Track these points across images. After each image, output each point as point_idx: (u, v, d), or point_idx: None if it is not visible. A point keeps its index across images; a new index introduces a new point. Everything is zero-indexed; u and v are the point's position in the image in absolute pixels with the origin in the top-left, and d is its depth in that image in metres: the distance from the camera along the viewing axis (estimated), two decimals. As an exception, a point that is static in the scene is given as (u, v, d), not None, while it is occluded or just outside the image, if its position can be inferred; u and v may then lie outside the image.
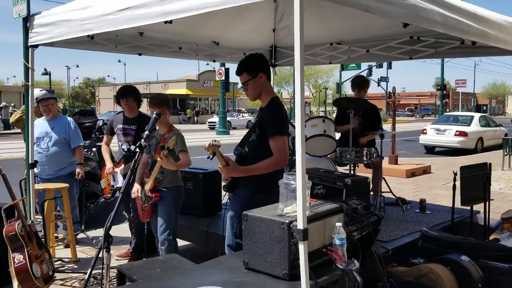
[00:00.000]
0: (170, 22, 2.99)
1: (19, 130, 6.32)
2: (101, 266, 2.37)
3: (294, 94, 2.24)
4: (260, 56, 3.39)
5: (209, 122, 38.18)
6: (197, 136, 22.57)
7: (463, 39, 4.46)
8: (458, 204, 4.76)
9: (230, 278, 2.30)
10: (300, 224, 2.19)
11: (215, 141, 2.83)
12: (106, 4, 3.35)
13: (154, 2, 2.92)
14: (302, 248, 2.19)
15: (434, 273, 3.35)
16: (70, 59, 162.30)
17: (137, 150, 2.70)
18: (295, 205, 2.28)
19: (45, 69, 43.12)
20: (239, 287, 2.23)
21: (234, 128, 34.89)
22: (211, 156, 2.89)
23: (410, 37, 4.83)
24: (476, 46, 4.47)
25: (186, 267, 2.71)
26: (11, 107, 28.59)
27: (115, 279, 3.30)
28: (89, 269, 2.53)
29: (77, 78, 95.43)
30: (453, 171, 4.65)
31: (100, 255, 2.39)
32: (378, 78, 44.36)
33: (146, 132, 2.86)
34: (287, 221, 2.27)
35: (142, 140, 2.76)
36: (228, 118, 36.05)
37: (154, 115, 3.33)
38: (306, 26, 2.21)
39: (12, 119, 6.21)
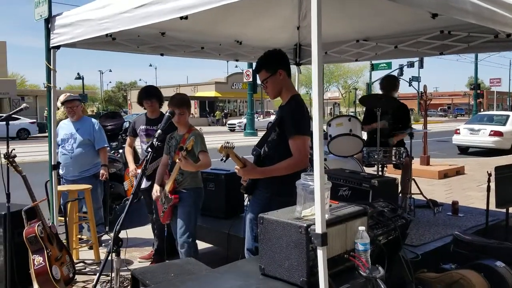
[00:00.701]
0: (186, 18, 2.90)
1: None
2: (110, 269, 2.29)
3: (312, 88, 2.11)
4: (279, 52, 3.26)
5: (229, 125, 36.94)
6: (222, 138, 22.57)
7: (497, 33, 4.23)
8: (492, 207, 4.52)
9: (245, 285, 2.18)
10: (318, 228, 2.05)
11: (227, 142, 2.73)
12: (123, 2, 3.31)
13: (170, -2, 2.84)
14: (320, 254, 2.05)
15: (466, 280, 3.15)
16: (103, 64, 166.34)
17: (149, 149, 2.62)
18: (314, 207, 2.13)
19: (78, 74, 44.16)
20: (254, 295, 2.11)
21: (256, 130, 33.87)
22: (224, 158, 2.79)
23: (440, 32, 4.62)
24: (511, 39, 4.24)
25: (201, 272, 2.60)
26: (45, 111, 29.23)
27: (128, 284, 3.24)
28: (98, 274, 2.46)
29: (110, 82, 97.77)
30: (487, 171, 4.41)
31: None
32: (410, 78, 43.58)
33: (159, 131, 2.78)
34: (305, 225, 2.13)
35: (154, 140, 2.68)
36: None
37: (167, 114, 3.25)
38: (330, 23, 2.09)
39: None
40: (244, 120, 34.72)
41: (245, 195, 3.39)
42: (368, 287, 2.26)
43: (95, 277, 4.43)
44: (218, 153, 2.75)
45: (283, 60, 3.20)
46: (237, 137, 24.96)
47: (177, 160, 3.65)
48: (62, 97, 5.82)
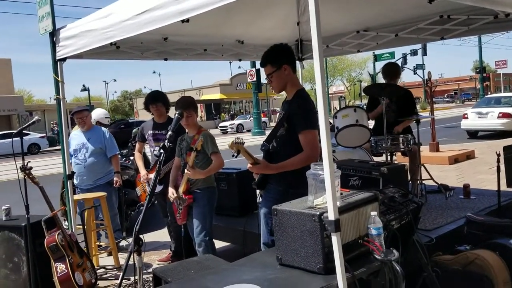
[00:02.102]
0: (187, 21, 2.97)
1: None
2: (133, 270, 2.36)
3: (315, 78, 2.15)
4: (284, 46, 3.28)
5: (220, 127, 35.82)
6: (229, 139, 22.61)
7: (496, 13, 4.25)
8: (504, 187, 4.53)
9: (263, 275, 2.24)
10: (331, 215, 2.11)
11: (238, 138, 2.78)
12: (125, 10, 3.38)
13: (171, 2, 2.91)
14: (335, 240, 2.10)
15: (482, 259, 3.18)
16: (107, 74, 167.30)
17: (162, 151, 2.69)
18: (325, 196, 2.19)
19: (83, 85, 44.45)
20: (273, 283, 2.16)
21: (249, 131, 31.59)
22: (235, 154, 2.84)
23: (440, 16, 4.64)
24: (510, 19, 4.26)
25: (220, 266, 2.66)
26: (51, 124, 29.57)
27: (152, 284, 3.32)
28: (121, 274, 2.53)
29: (115, 92, 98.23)
30: (496, 152, 4.42)
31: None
32: (414, 66, 43.36)
33: (170, 133, 2.84)
34: (318, 213, 2.19)
35: (166, 141, 2.74)
36: (240, 121, 34.84)
37: (176, 115, 3.32)
38: (329, 16, 2.14)
39: None
40: (236, 121, 34.48)
41: (257, 192, 3.45)
42: (384, 270, 2.31)
43: (117, 281, 4.53)
44: (229, 149, 2.81)
45: (288, 55, 3.24)
46: (244, 137, 24.96)
47: (185, 172, 3.73)
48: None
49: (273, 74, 3.19)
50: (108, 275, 4.82)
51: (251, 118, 35.47)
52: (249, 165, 3.09)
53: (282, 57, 3.21)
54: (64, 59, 4.27)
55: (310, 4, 2.10)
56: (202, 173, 3.83)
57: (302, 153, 3.03)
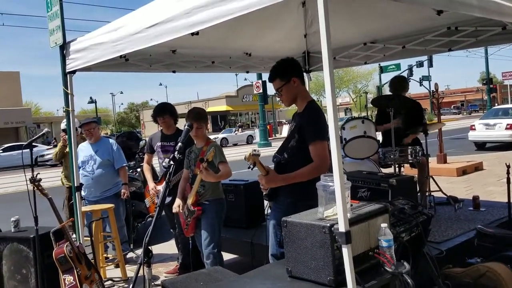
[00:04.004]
0: (197, 33, 3.00)
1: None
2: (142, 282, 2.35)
3: (322, 95, 2.16)
4: (291, 60, 3.32)
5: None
6: (236, 150, 22.66)
7: (505, 24, 4.25)
8: (514, 199, 4.49)
9: (273, 287, 2.23)
10: (342, 227, 2.09)
11: (255, 150, 2.80)
12: (135, 23, 3.42)
13: (180, 15, 2.93)
14: (346, 252, 2.08)
15: (493, 272, 3.14)
16: (114, 87, 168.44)
17: (171, 162, 2.69)
18: (336, 207, 2.18)
19: (90, 98, 44.86)
20: (284, 296, 2.15)
21: (235, 145, 32.22)
22: (251, 166, 2.85)
23: (447, 28, 4.65)
24: (519, 30, 4.26)
25: (229, 278, 2.65)
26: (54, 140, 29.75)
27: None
28: (131, 285, 2.52)
29: (122, 104, 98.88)
30: (506, 163, 4.40)
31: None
32: (420, 78, 43.28)
33: (180, 144, 2.86)
34: (328, 225, 2.18)
35: (176, 152, 2.75)
36: (224, 135, 34.90)
37: (186, 127, 3.34)
38: (337, 28, 2.14)
39: (55, 157, 6.42)
40: (221, 135, 34.53)
41: (265, 204, 3.45)
42: (395, 282, 2.28)
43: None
44: (245, 161, 2.82)
45: (296, 68, 3.27)
46: (250, 149, 24.96)
47: (198, 172, 3.73)
48: (62, 124, 6.00)
49: (283, 87, 3.21)
50: (115, 287, 4.80)
51: (236, 132, 35.73)
52: (259, 175, 3.09)
53: (290, 71, 3.23)
54: (74, 72, 4.31)
55: (320, 15, 2.11)
56: (214, 177, 3.83)
57: (311, 164, 3.03)
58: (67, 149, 5.94)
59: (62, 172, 6.62)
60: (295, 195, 3.13)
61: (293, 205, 3.03)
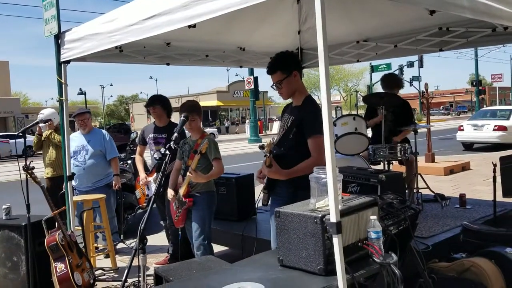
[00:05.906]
0: (194, 26, 3.03)
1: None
2: (137, 269, 2.39)
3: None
4: (292, 54, 3.37)
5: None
6: (228, 146, 22.70)
7: (495, 26, 4.34)
8: (500, 198, 4.59)
9: (265, 275, 2.28)
10: (333, 217, 2.15)
11: (273, 139, 2.86)
12: (132, 14, 3.43)
13: (178, 8, 2.96)
14: (336, 241, 2.15)
15: (477, 267, 3.24)
16: (103, 78, 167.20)
17: (167, 152, 2.73)
18: (327, 199, 2.24)
19: (80, 89, 44.49)
20: (275, 283, 2.20)
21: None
22: (267, 154, 2.89)
23: (439, 29, 4.74)
24: (509, 32, 4.35)
25: (222, 267, 2.70)
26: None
27: (153, 284, 3.35)
28: (126, 271, 2.57)
29: (111, 96, 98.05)
30: (493, 162, 4.49)
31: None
32: (410, 78, 43.52)
33: (175, 134, 2.90)
34: (320, 215, 2.24)
35: (171, 142, 2.79)
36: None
37: (182, 118, 3.37)
38: (331, 26, 2.18)
39: (34, 147, 6.18)
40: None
41: (257, 197, 3.48)
42: (383, 273, 2.35)
43: (115, 283, 4.55)
44: (260, 150, 2.90)
45: (297, 62, 3.32)
46: (241, 145, 25.07)
47: (188, 174, 3.77)
48: (45, 111, 5.90)
49: (284, 80, 3.21)
50: (105, 276, 4.83)
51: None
52: (263, 165, 3.12)
53: (292, 64, 3.25)
54: (68, 62, 4.31)
55: (317, 13, 2.16)
56: (204, 178, 3.88)
57: (310, 158, 3.07)
58: (43, 138, 5.94)
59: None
60: (294, 184, 3.16)
61: (294, 195, 3.06)
